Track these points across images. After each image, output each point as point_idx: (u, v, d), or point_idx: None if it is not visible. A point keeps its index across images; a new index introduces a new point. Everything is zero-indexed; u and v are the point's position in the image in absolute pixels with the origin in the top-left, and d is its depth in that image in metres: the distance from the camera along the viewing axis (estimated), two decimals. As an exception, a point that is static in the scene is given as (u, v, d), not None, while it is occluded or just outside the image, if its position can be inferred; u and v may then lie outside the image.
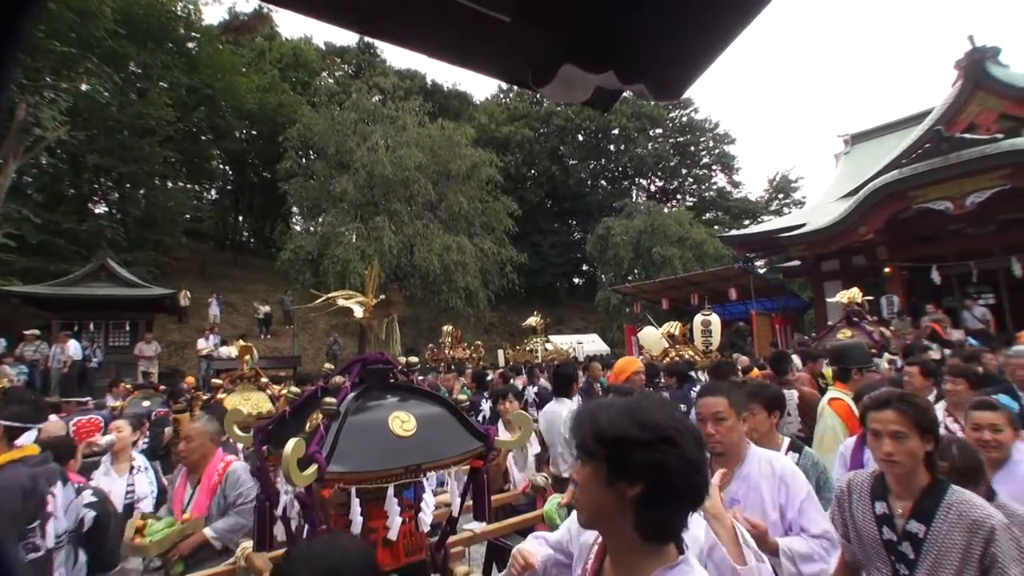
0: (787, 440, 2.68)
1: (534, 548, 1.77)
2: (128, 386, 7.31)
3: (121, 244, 17.59)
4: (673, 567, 1.09)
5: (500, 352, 13.75)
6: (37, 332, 12.85)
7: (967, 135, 12.27)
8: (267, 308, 19.66)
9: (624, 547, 1.13)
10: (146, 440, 5.17)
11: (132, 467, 3.67)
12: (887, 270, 13.66)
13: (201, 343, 14.44)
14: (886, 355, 6.87)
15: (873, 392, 2.02)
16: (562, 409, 4.24)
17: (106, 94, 16.98)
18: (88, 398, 8.30)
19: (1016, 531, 1.67)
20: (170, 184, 22.55)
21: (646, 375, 6.85)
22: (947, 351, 7.06)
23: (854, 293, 8.41)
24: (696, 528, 1.46)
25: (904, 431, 1.81)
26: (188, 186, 25.24)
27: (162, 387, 6.85)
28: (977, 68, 14.07)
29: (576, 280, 36.92)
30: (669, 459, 1.01)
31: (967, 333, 10.66)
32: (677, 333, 7.06)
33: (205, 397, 5.32)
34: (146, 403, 5.97)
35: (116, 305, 14.47)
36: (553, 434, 4.21)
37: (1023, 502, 2.23)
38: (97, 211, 20.08)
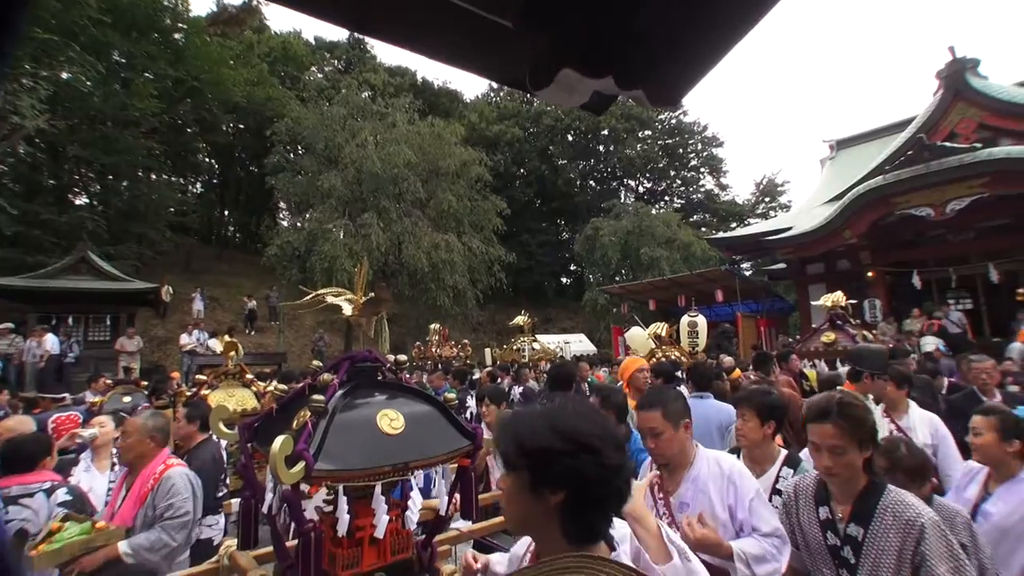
0: (783, 453, 2.57)
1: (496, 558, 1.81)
2: (108, 381, 7.18)
3: (103, 236, 17.19)
4: None
5: (487, 351, 13.74)
6: (11, 325, 12.52)
7: (948, 144, 12.49)
8: (252, 304, 19.49)
9: (554, 551, 1.12)
10: None
11: (114, 464, 3.58)
12: (870, 274, 13.87)
13: (184, 338, 14.23)
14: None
15: (813, 400, 1.96)
16: None
17: (89, 83, 16.64)
18: (66, 394, 8.15)
19: (946, 529, 1.69)
20: (154, 177, 22.05)
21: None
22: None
23: (838, 296, 8.50)
24: (625, 528, 1.48)
25: (842, 445, 1.80)
26: (173, 179, 24.82)
27: (144, 383, 6.73)
28: (957, 79, 14.29)
29: (564, 280, 37.01)
30: (589, 466, 1.03)
31: (948, 339, 10.89)
32: (664, 334, 7.08)
33: (188, 393, 5.25)
34: (127, 399, 5.86)
35: (96, 299, 14.14)
36: None
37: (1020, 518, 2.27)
38: (78, 202, 19.60)
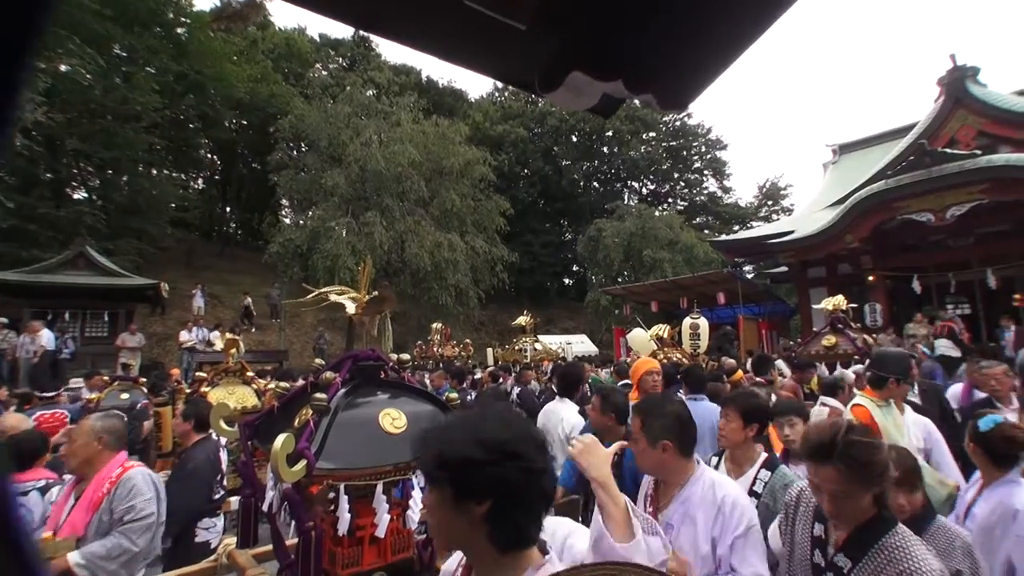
0: (763, 455, 2.51)
1: None
2: (106, 378, 7.12)
3: (102, 231, 17.03)
4: (539, 569, 1.09)
5: (489, 351, 13.73)
6: (5, 320, 12.33)
7: (948, 150, 12.60)
8: (248, 301, 19.31)
9: (485, 562, 1.11)
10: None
11: None
12: (871, 278, 13.89)
13: (184, 335, 14.18)
14: (867, 362, 6.94)
15: (813, 432, 1.71)
16: (562, 409, 4.22)
17: (88, 76, 16.50)
18: (60, 389, 8.08)
19: None
20: (155, 172, 21.97)
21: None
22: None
23: (839, 300, 8.48)
24: (554, 525, 1.47)
25: (846, 490, 1.59)
26: (174, 174, 24.71)
27: (142, 379, 6.69)
28: (958, 86, 14.43)
29: (566, 281, 37.00)
30: (513, 473, 1.01)
31: (958, 344, 10.88)
32: (665, 336, 7.07)
33: (188, 390, 5.24)
34: (125, 395, 5.80)
35: (94, 294, 13.99)
36: (549, 432, 4.22)
37: (996, 522, 2.24)
38: (76, 197, 19.41)
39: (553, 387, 7.24)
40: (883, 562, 1.55)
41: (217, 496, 3.62)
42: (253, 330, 18.83)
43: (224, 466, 3.83)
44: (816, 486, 1.70)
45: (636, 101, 1.02)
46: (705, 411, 3.95)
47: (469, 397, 7.00)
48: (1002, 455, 2.36)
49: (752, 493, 2.35)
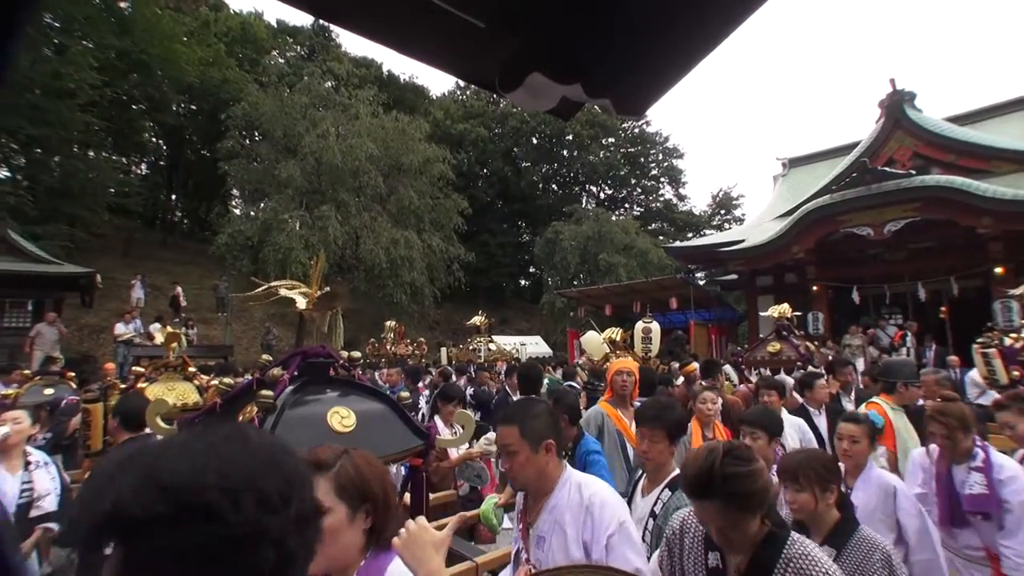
0: (674, 472, 2.31)
1: None
2: (27, 372, 6.60)
3: (28, 214, 15.81)
4: None
5: (443, 350, 13.63)
6: None
7: (887, 169, 13.30)
8: (178, 290, 17.93)
9: None
10: (46, 434, 4.73)
11: (28, 463, 3.22)
12: (815, 288, 14.48)
13: (120, 327, 13.41)
14: (810, 368, 7.23)
15: (689, 465, 1.59)
16: None
17: (13, 44, 15.38)
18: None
19: None
20: (92, 154, 20.64)
21: (587, 380, 6.93)
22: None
23: (784, 308, 8.80)
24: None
25: (731, 523, 1.54)
26: (115, 158, 23.34)
27: (71, 373, 6.25)
28: (897, 109, 15.24)
29: (522, 282, 37.16)
30: (206, 540, 0.60)
31: (880, 350, 11.51)
32: (618, 339, 7.16)
33: (123, 386, 4.98)
34: (49, 391, 5.45)
35: (15, 282, 12.94)
36: None
37: (877, 503, 2.60)
38: (-2, 176, 18.05)
39: (507, 388, 7.24)
40: (793, 575, 1.50)
41: None
42: (184, 324, 18.00)
43: None
44: (701, 519, 1.64)
45: (595, 106, 1.03)
46: None
47: (421, 398, 6.91)
48: None
49: (652, 514, 2.23)
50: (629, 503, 2.38)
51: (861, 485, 2.70)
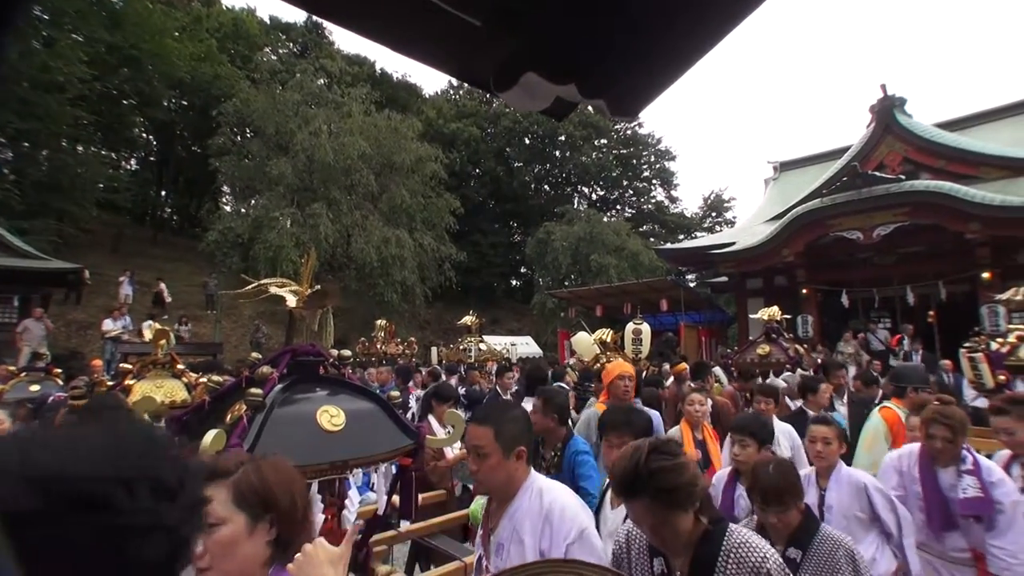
0: None
1: None
2: (12, 368, 6.52)
3: (16, 209, 15.63)
4: None
5: (434, 350, 13.62)
6: None
7: (877, 173, 13.40)
8: (161, 286, 17.61)
9: None
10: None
11: None
12: (804, 291, 14.58)
13: (108, 324, 13.31)
14: (799, 371, 7.29)
15: (617, 464, 1.60)
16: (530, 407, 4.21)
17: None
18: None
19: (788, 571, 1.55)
20: (81, 149, 20.49)
21: (577, 380, 6.95)
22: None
23: (774, 311, 8.86)
24: None
25: (661, 520, 1.52)
26: (104, 153, 23.13)
27: (57, 370, 6.16)
28: (887, 114, 15.35)
29: (514, 282, 37.17)
30: (85, 533, 0.57)
31: (871, 354, 11.58)
32: (609, 340, 7.18)
33: (110, 383, 4.93)
34: (35, 387, 5.39)
35: (1, 277, 12.80)
36: None
37: (851, 501, 2.67)
38: (-17, 169, 17.78)
39: (499, 388, 7.25)
40: (734, 566, 1.48)
41: None
42: (177, 321, 17.84)
43: None
44: (634, 519, 1.62)
45: (589, 107, 1.04)
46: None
47: (411, 398, 6.90)
48: None
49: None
50: (597, 514, 2.35)
51: (834, 485, 2.76)
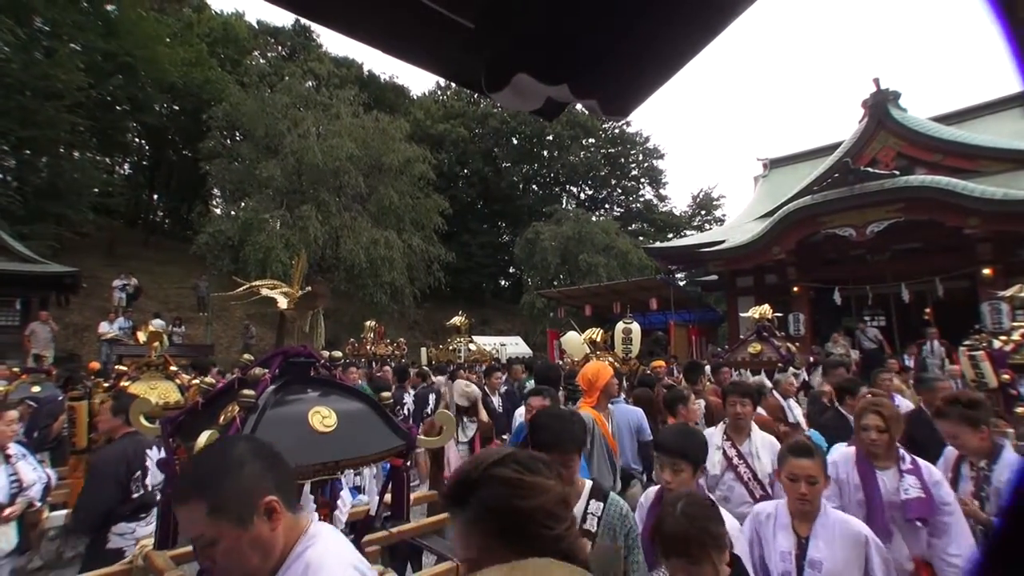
0: (589, 484, 2.00)
1: None
2: (15, 369, 6.63)
3: (17, 215, 15.94)
4: None
5: (423, 350, 13.63)
6: None
7: (870, 169, 13.32)
8: (134, 281, 16.39)
9: None
10: (22, 428, 4.73)
11: (8, 456, 3.33)
12: (795, 289, 14.59)
13: (104, 326, 13.33)
14: (791, 369, 7.33)
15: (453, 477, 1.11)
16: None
17: (6, 49, 15.43)
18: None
19: None
20: (77, 154, 20.65)
21: (565, 380, 6.99)
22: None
23: (765, 309, 8.89)
24: None
25: (476, 557, 0.99)
26: (99, 158, 23.29)
27: (56, 371, 6.24)
28: (880, 109, 15.26)
29: (503, 282, 37.18)
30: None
31: (861, 352, 11.60)
32: (598, 339, 7.22)
33: (107, 384, 4.95)
34: (36, 388, 5.48)
35: (5, 281, 13.16)
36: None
37: (845, 560, 2.04)
38: (-11, 178, 18.05)
39: (487, 388, 7.29)
40: None
41: (137, 495, 3.34)
42: (172, 323, 17.79)
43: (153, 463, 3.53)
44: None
45: (579, 106, 1.05)
46: (625, 412, 4.02)
47: (407, 395, 6.93)
48: None
49: (584, 532, 1.84)
50: None
51: (821, 533, 2.10)
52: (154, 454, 3.46)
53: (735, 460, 3.04)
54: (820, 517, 2.12)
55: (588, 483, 1.99)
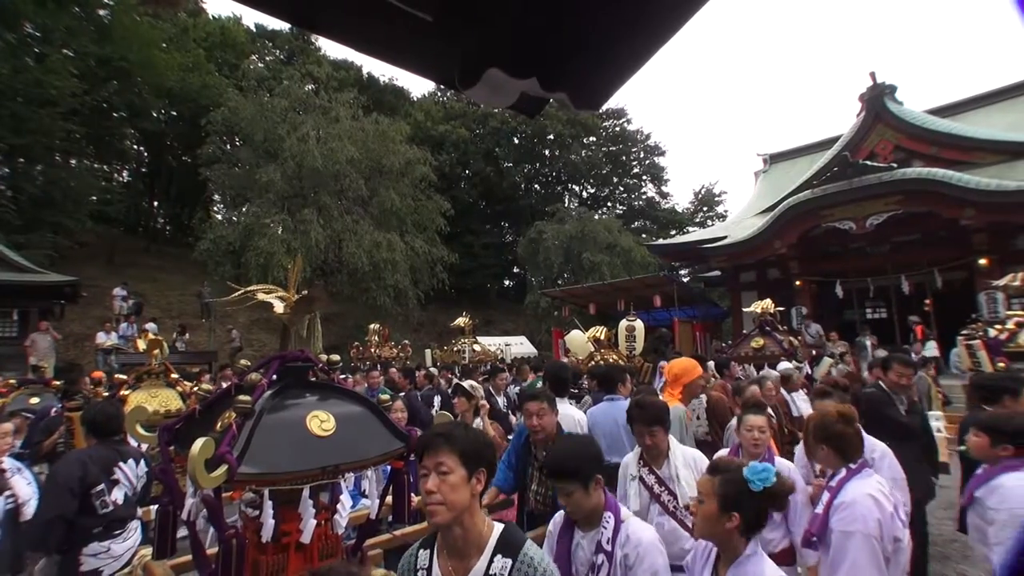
0: (498, 530, 1.53)
1: None
2: (12, 381, 6.54)
3: (12, 224, 15.82)
4: None
5: (428, 352, 13.62)
6: None
7: (868, 162, 13.39)
8: (131, 301, 16.84)
9: None
10: (19, 442, 4.66)
11: (3, 471, 3.17)
12: (797, 283, 14.62)
13: (101, 336, 13.33)
14: (793, 362, 7.33)
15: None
16: (564, 409, 4.12)
17: (-5, 54, 15.31)
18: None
19: None
20: (74, 162, 20.60)
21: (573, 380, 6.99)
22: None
23: (767, 304, 8.91)
24: None
25: None
26: (96, 165, 23.22)
27: (56, 382, 6.17)
28: (877, 102, 15.36)
29: (506, 282, 37.16)
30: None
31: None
32: (603, 337, 7.22)
33: (106, 394, 4.94)
34: (34, 400, 5.39)
35: (2, 291, 13.01)
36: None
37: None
38: (-18, 186, 17.92)
39: (491, 388, 7.27)
40: None
41: (105, 511, 3.07)
42: (176, 331, 17.89)
43: (132, 477, 3.30)
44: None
45: (552, 100, 1.04)
46: (617, 411, 3.97)
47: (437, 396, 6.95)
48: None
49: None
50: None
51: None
52: (131, 468, 3.29)
53: (656, 488, 2.66)
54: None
55: (497, 529, 1.54)
